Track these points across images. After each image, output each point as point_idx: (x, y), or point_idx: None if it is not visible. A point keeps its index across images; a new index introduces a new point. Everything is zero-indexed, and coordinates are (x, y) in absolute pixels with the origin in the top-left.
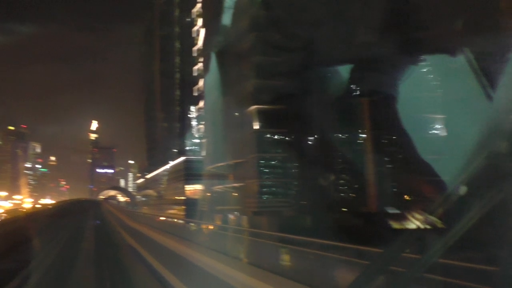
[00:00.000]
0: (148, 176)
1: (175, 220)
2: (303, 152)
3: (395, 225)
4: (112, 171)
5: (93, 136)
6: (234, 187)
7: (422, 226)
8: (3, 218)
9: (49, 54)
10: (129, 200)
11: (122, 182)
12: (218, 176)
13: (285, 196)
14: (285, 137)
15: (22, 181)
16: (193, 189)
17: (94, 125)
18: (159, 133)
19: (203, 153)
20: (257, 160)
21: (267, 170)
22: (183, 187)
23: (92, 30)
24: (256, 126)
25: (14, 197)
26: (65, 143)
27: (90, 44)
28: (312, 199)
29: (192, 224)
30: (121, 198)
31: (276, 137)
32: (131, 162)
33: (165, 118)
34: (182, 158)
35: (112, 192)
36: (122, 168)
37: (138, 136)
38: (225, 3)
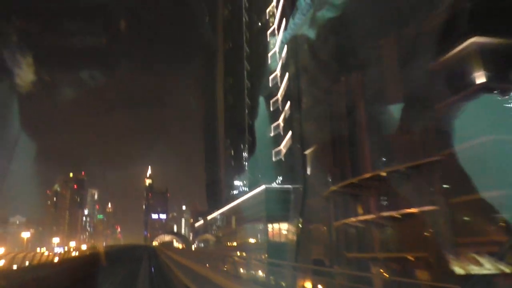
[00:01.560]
0: (209, 217)
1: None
2: None
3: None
4: (165, 216)
5: (148, 181)
6: (391, 219)
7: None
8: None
9: (109, 102)
10: (185, 246)
11: (175, 228)
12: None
13: None
14: None
15: (79, 228)
16: (277, 228)
17: (149, 170)
18: (218, 175)
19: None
20: None
21: None
22: (265, 226)
23: (154, 74)
24: None
25: (70, 243)
26: (121, 189)
27: (150, 89)
28: None
29: None
30: (176, 244)
31: None
32: (183, 208)
33: (226, 159)
34: (261, 188)
35: (167, 238)
36: (175, 214)
37: (192, 181)
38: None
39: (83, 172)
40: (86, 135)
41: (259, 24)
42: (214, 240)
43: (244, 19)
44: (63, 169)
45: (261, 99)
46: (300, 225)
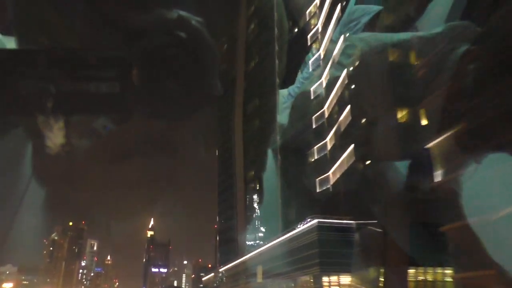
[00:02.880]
0: (223, 269)
1: None
2: None
3: None
4: (165, 270)
5: (150, 233)
6: None
7: None
8: None
9: (114, 152)
10: None
11: (175, 284)
12: None
13: None
14: None
15: (75, 280)
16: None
17: (151, 222)
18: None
19: None
20: None
21: None
22: (317, 279)
23: (163, 123)
24: None
25: None
26: (122, 240)
27: (158, 140)
28: None
29: None
30: None
31: None
32: (185, 262)
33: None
34: (310, 223)
35: None
36: (175, 269)
37: (195, 236)
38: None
39: (83, 222)
40: (90, 183)
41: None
42: None
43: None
44: (63, 217)
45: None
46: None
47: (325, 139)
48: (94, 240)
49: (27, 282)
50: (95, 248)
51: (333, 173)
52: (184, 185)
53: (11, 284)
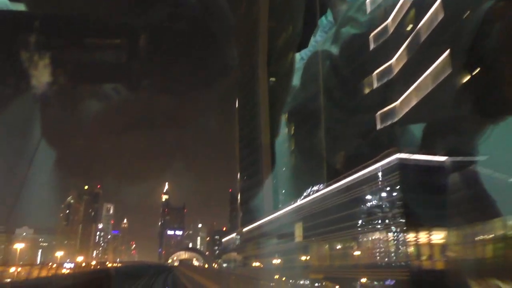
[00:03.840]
0: (247, 228)
1: None
2: None
3: None
4: (181, 233)
5: (164, 197)
6: None
7: None
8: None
9: (129, 118)
10: (206, 265)
11: (190, 246)
12: None
13: None
14: None
15: (92, 243)
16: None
17: (166, 186)
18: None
19: None
20: None
21: None
22: (400, 234)
23: (174, 93)
24: None
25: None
26: (137, 204)
27: (170, 107)
28: None
29: None
30: (197, 262)
31: None
32: (199, 225)
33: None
34: (390, 160)
35: (184, 255)
36: (190, 232)
37: (209, 199)
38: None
39: (98, 186)
40: (104, 149)
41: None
42: (239, 259)
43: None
44: (78, 181)
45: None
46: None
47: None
48: (110, 204)
49: (45, 244)
50: (111, 211)
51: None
52: (198, 151)
53: (22, 245)
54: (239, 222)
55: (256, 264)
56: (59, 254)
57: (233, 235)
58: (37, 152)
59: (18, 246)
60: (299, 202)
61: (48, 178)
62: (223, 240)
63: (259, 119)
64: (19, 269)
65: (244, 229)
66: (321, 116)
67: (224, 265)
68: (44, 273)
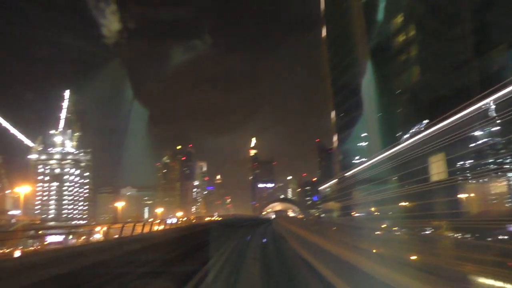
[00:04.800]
0: (351, 172)
1: None
2: None
3: None
4: (272, 185)
5: (252, 152)
6: None
7: None
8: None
9: (211, 75)
10: (302, 215)
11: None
12: None
13: None
14: None
15: (190, 199)
16: None
17: (253, 141)
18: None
19: None
20: None
21: None
22: None
23: (256, 48)
24: None
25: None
26: (228, 161)
27: (254, 61)
28: None
29: None
30: (291, 213)
31: None
32: (289, 177)
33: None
34: None
35: (278, 206)
36: (281, 184)
37: (296, 151)
38: None
39: (190, 145)
40: (192, 108)
41: None
42: (336, 208)
43: None
44: (171, 142)
45: None
46: None
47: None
48: (202, 162)
49: (150, 202)
50: (204, 169)
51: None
52: (283, 104)
53: (123, 203)
54: (338, 166)
55: (360, 214)
56: (159, 210)
57: (332, 182)
58: (131, 114)
59: (119, 204)
60: (429, 130)
61: (144, 140)
62: (320, 188)
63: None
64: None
65: (346, 174)
66: (412, 49)
67: (322, 215)
68: (147, 229)
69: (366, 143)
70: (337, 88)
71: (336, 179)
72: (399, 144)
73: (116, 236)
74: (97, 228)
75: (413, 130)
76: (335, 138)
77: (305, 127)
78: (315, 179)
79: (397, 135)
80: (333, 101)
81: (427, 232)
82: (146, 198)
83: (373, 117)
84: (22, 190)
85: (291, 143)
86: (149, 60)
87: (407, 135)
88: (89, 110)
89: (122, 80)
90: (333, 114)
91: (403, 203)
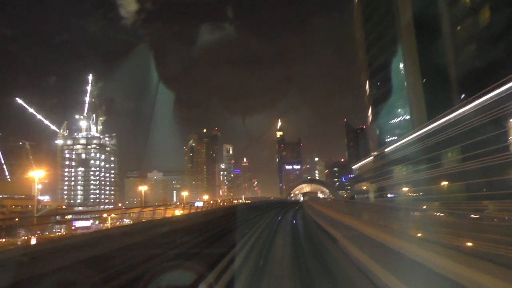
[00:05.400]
0: (391, 147)
1: None
2: None
3: None
4: (299, 166)
5: (278, 134)
6: None
7: None
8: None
9: (234, 57)
10: (331, 196)
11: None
12: None
13: None
14: None
15: (218, 182)
16: None
17: (279, 123)
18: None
19: None
20: None
21: None
22: None
23: (282, 28)
24: None
25: (204, 197)
26: (253, 144)
27: (278, 42)
28: None
29: None
30: (321, 195)
31: None
32: (316, 159)
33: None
34: None
35: (306, 188)
36: (308, 166)
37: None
38: None
39: (216, 128)
40: (216, 92)
41: None
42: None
43: None
44: (197, 125)
45: None
46: None
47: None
48: (229, 145)
49: (178, 186)
50: (230, 152)
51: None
52: (309, 85)
53: (145, 187)
54: (373, 143)
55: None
56: (184, 194)
57: (366, 160)
58: (157, 97)
59: (142, 188)
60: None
61: (170, 123)
62: (354, 166)
63: None
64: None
65: (385, 150)
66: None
67: (356, 196)
68: (170, 213)
69: (406, 116)
70: (372, 56)
71: (372, 157)
72: (456, 110)
73: (144, 220)
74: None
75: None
76: (369, 112)
77: (331, 107)
78: (342, 160)
79: (461, 96)
80: (367, 71)
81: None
82: (174, 182)
83: (417, 85)
84: (37, 174)
85: (318, 125)
86: (172, 42)
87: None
88: (114, 94)
89: (146, 62)
90: (367, 85)
91: (468, 181)
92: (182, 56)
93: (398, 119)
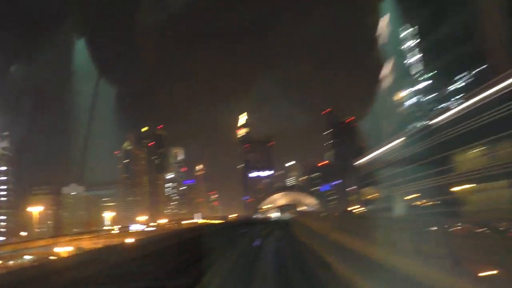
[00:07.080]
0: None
1: None
2: None
3: None
4: (271, 172)
5: (243, 131)
6: None
7: None
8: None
9: (192, 34)
10: (321, 209)
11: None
12: None
13: None
14: None
15: (162, 198)
16: None
17: (243, 118)
18: None
19: None
20: None
21: None
22: None
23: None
24: None
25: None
26: (213, 146)
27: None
28: None
29: None
30: (301, 208)
31: None
32: (292, 163)
33: None
34: None
35: (282, 199)
36: (281, 172)
37: (300, 131)
38: None
39: (160, 126)
40: (164, 79)
41: None
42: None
43: None
44: (135, 122)
45: None
46: None
47: None
48: (178, 148)
49: (112, 203)
50: (180, 157)
51: None
52: (285, 68)
53: (40, 208)
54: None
55: None
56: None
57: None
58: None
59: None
60: None
61: (105, 122)
62: (355, 163)
63: None
64: None
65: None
66: None
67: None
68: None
69: None
70: None
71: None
72: None
73: None
74: None
75: None
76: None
77: (316, 95)
78: (325, 162)
79: None
80: None
81: None
82: (107, 198)
83: None
84: None
85: (295, 120)
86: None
87: None
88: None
89: (73, 48)
90: None
91: None
92: (124, 35)
93: None
